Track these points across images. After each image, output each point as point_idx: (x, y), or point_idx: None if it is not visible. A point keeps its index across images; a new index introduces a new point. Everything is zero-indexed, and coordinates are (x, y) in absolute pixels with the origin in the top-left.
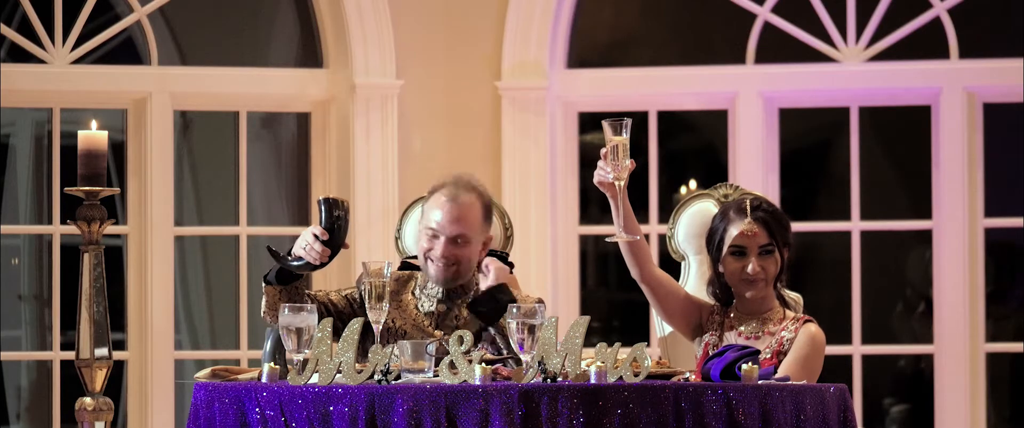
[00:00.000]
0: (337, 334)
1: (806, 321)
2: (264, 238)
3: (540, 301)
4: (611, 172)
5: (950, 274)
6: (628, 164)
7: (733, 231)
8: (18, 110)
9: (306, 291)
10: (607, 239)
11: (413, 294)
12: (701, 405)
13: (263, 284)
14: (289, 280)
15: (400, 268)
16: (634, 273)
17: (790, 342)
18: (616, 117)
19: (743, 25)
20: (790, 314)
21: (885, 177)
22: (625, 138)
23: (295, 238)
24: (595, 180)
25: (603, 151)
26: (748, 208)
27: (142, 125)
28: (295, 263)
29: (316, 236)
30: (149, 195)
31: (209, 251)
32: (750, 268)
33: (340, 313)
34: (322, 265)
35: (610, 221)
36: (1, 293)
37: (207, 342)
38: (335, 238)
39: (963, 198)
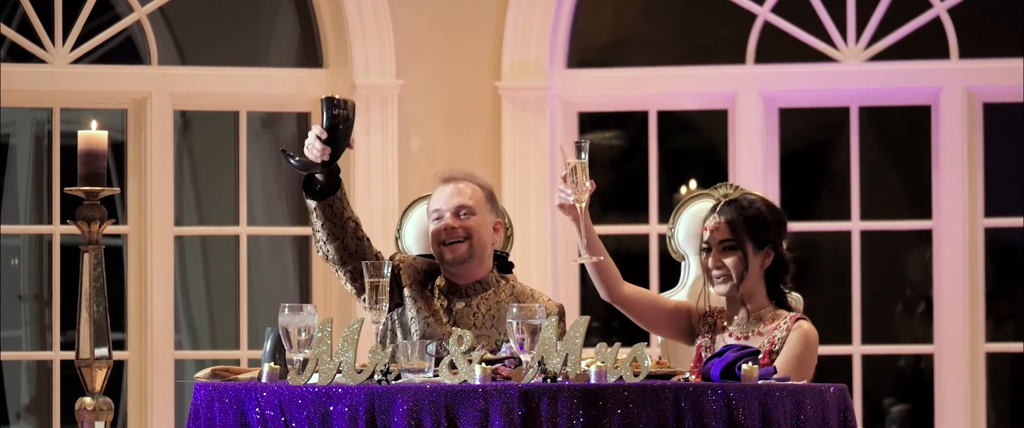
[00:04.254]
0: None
1: (798, 320)
2: (264, 238)
3: (561, 308)
4: (572, 194)
5: (950, 274)
6: (589, 185)
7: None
8: (18, 110)
9: (350, 217)
10: (572, 260)
11: (430, 291)
12: (701, 405)
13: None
14: (317, 193)
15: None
16: (603, 294)
17: (782, 341)
18: (584, 139)
19: (743, 25)
20: (783, 313)
21: (885, 177)
22: (584, 160)
23: (294, 238)
24: (556, 203)
25: (563, 173)
26: (719, 205)
27: (142, 125)
28: (295, 162)
29: (318, 137)
30: (149, 195)
31: (209, 251)
32: (709, 262)
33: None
34: (325, 164)
35: (610, 221)
36: (1, 293)
37: (207, 342)
38: (335, 137)
39: (963, 198)
